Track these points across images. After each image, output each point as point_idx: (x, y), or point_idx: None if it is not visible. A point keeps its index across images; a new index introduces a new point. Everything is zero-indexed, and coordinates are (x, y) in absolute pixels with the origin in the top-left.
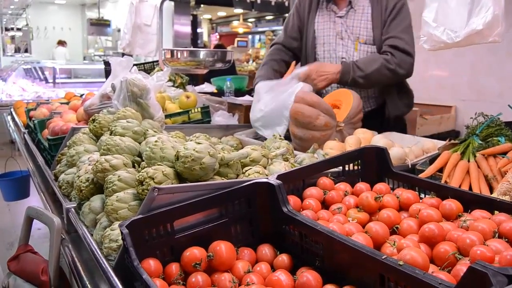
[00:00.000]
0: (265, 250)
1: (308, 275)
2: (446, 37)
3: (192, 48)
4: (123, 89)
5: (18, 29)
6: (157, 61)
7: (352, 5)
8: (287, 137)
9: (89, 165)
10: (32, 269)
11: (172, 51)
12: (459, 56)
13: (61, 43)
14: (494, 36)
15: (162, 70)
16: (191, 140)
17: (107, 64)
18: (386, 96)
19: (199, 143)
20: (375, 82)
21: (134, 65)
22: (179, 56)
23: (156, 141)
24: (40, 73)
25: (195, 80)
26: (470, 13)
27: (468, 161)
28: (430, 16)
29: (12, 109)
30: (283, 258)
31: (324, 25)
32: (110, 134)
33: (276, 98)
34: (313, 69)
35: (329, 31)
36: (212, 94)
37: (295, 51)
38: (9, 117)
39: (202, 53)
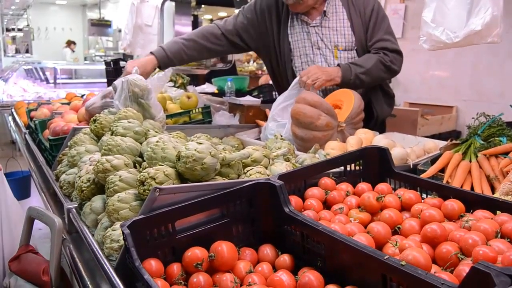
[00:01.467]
0: (267, 250)
1: (310, 275)
2: (445, 37)
3: None
4: (124, 90)
5: (19, 30)
6: None
7: (326, 13)
8: None
9: (90, 165)
10: (33, 269)
11: None
12: (460, 56)
13: (69, 43)
14: (493, 37)
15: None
16: (192, 141)
17: (108, 64)
18: (372, 97)
19: (200, 143)
20: (375, 78)
21: None
22: None
23: (157, 141)
24: (41, 73)
25: (196, 80)
26: (469, 14)
27: (470, 161)
28: (429, 16)
29: (13, 110)
30: (285, 258)
31: (298, 36)
32: (111, 135)
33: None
34: (314, 67)
35: (304, 42)
36: (213, 94)
37: (231, 43)
38: (10, 118)
39: None
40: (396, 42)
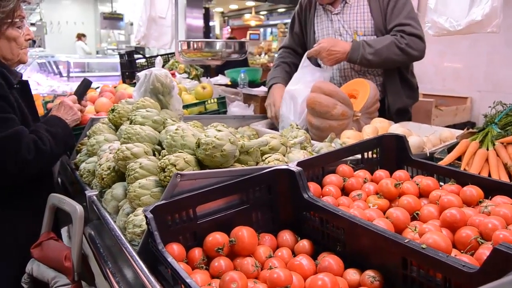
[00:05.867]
0: (286, 236)
1: (329, 259)
2: (449, 25)
3: (208, 39)
4: (146, 82)
5: (32, 24)
6: (172, 53)
7: (347, 0)
8: None
9: (110, 153)
10: (55, 255)
11: (188, 42)
12: (475, 47)
13: (80, 36)
14: (492, 27)
15: (178, 61)
16: (211, 128)
17: (122, 57)
18: (388, 86)
19: (219, 131)
20: (385, 60)
21: (147, 57)
22: (195, 47)
23: (176, 129)
24: (54, 67)
25: (208, 72)
26: (471, 4)
27: (487, 149)
28: (432, 4)
29: None
30: (304, 243)
31: (322, 24)
32: (130, 123)
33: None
34: (324, 47)
35: (328, 30)
36: (226, 86)
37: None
38: None
39: (218, 44)
40: (418, 27)
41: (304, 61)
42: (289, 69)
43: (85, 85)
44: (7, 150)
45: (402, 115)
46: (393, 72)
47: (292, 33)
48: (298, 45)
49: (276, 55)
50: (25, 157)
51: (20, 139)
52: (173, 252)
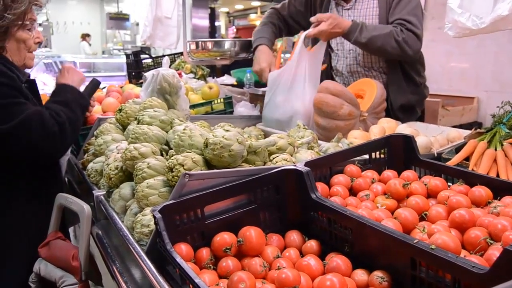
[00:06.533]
0: (293, 236)
1: (337, 260)
2: (471, 24)
3: (217, 39)
4: (154, 82)
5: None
6: (178, 53)
7: None
8: None
9: (118, 153)
10: (63, 255)
11: (197, 43)
12: (482, 47)
13: (84, 37)
14: None
15: (184, 61)
16: (218, 128)
17: (128, 57)
18: (390, 81)
19: (227, 131)
20: (379, 47)
21: (153, 58)
22: (203, 47)
23: (184, 129)
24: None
25: (214, 72)
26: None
27: (495, 149)
28: (455, 3)
29: None
30: (312, 244)
31: None
32: (138, 123)
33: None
34: (325, 30)
35: None
36: (232, 86)
37: (289, 25)
38: None
39: (227, 43)
40: (419, 26)
41: (300, 49)
42: (276, 30)
43: (93, 85)
44: (33, 127)
45: (407, 112)
46: (395, 66)
47: (290, 4)
48: (289, 18)
49: (278, 44)
50: (52, 129)
51: (42, 114)
52: (181, 252)
